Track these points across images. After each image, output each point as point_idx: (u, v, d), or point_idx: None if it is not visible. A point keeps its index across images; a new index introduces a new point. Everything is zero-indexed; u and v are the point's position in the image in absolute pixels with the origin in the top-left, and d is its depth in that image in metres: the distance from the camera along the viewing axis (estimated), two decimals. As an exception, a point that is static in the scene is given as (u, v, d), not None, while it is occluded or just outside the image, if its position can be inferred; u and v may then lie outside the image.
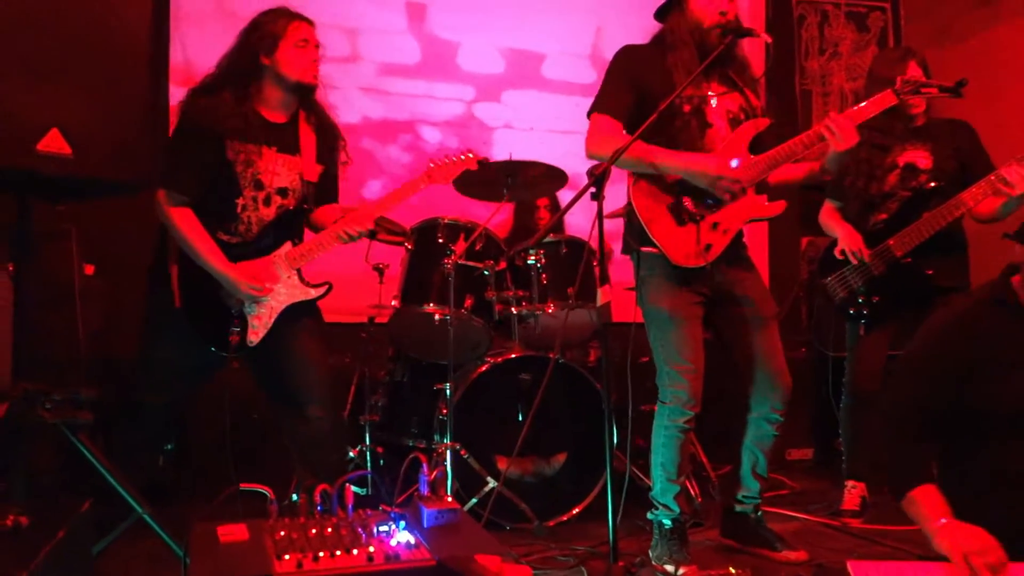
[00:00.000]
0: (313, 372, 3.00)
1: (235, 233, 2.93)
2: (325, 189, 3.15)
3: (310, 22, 3.00)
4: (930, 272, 3.43)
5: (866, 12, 6.26)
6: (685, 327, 2.92)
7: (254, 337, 2.94)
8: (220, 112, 2.85)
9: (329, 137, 3.13)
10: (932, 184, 3.46)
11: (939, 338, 2.25)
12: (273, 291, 2.95)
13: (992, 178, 3.22)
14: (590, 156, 2.91)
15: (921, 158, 3.53)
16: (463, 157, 3.18)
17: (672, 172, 2.84)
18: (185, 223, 2.83)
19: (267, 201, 2.95)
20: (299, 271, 3.02)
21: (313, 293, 3.03)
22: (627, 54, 2.98)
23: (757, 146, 2.92)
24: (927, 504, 2.08)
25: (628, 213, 2.98)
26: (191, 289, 2.90)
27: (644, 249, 2.96)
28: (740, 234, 2.98)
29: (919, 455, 2.18)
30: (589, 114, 2.96)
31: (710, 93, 2.94)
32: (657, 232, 2.87)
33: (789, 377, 3.01)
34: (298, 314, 3.00)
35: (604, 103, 2.91)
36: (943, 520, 2.02)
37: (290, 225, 3.04)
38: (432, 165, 3.15)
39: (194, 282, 2.89)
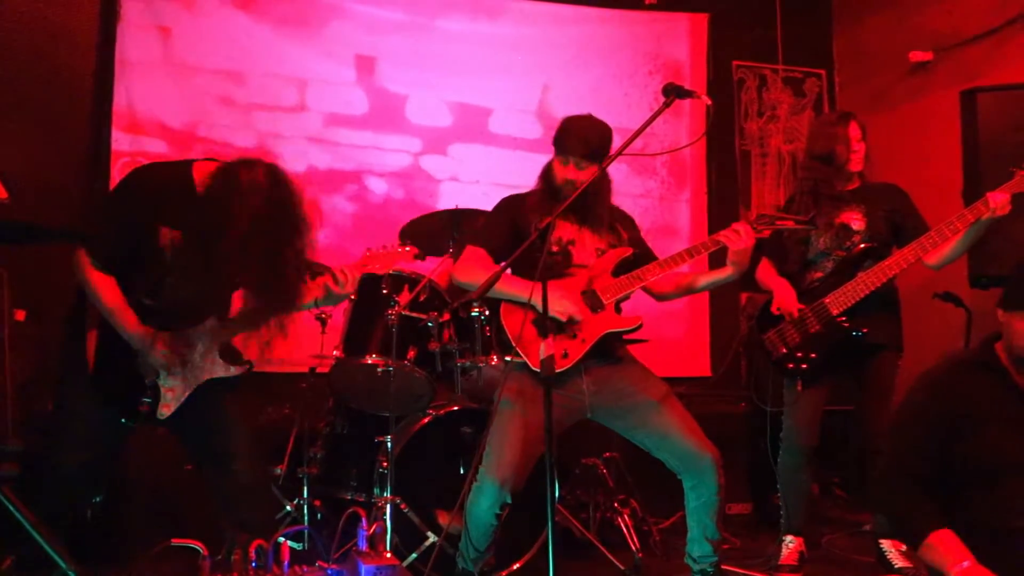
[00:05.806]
0: (232, 430, 2.94)
1: (161, 299, 2.84)
2: None
3: None
4: (865, 330, 3.51)
5: (802, 78, 6.48)
6: (524, 417, 2.98)
7: (165, 410, 2.85)
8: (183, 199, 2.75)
9: None
10: (864, 245, 3.57)
11: (923, 401, 2.35)
12: (189, 363, 2.87)
13: (941, 226, 3.33)
14: (456, 283, 3.21)
15: (855, 219, 3.64)
16: (402, 250, 3.22)
17: (525, 299, 2.96)
18: (103, 286, 2.73)
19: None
20: (222, 347, 2.95)
21: (233, 371, 2.95)
22: (510, 200, 3.30)
23: (635, 265, 3.18)
24: (947, 548, 2.13)
25: (497, 328, 3.17)
26: (107, 357, 2.80)
27: (508, 357, 3.12)
28: (608, 339, 3.08)
29: (928, 503, 2.23)
30: (465, 244, 3.27)
31: (582, 243, 3.19)
32: (521, 344, 3.02)
33: (713, 447, 3.02)
34: (215, 388, 2.93)
35: (478, 238, 3.22)
36: (965, 563, 2.07)
37: (219, 300, 2.98)
38: (369, 252, 3.16)
39: (111, 350, 2.79)
